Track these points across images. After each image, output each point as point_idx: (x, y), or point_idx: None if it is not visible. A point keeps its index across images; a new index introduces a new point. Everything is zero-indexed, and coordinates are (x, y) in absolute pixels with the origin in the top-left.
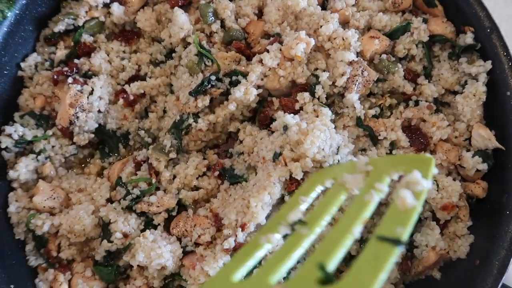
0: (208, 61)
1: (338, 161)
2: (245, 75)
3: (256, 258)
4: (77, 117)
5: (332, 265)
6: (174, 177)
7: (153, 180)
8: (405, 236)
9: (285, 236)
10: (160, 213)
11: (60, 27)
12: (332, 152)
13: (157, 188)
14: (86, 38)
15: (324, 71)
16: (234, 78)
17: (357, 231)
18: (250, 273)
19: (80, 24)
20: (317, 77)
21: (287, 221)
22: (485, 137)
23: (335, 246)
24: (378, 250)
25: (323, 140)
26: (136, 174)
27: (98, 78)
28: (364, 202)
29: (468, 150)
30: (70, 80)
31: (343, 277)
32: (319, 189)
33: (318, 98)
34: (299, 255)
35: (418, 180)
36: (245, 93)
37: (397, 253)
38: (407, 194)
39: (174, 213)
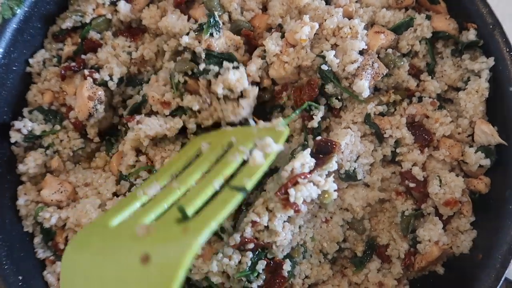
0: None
1: (354, 169)
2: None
3: (133, 207)
4: (96, 110)
5: (191, 209)
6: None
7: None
8: (249, 185)
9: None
10: None
11: (67, 24)
12: (351, 158)
13: None
14: (93, 35)
15: (329, 51)
16: (235, 63)
17: (217, 183)
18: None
19: (88, 21)
20: (323, 57)
21: (161, 181)
22: (488, 133)
23: (196, 195)
24: (226, 195)
25: (346, 143)
26: (134, 166)
27: (111, 63)
28: (228, 161)
29: (471, 146)
30: (86, 72)
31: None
32: (194, 154)
33: (326, 77)
34: (168, 203)
35: (269, 143)
36: (238, 80)
37: (239, 197)
38: (258, 153)
39: None
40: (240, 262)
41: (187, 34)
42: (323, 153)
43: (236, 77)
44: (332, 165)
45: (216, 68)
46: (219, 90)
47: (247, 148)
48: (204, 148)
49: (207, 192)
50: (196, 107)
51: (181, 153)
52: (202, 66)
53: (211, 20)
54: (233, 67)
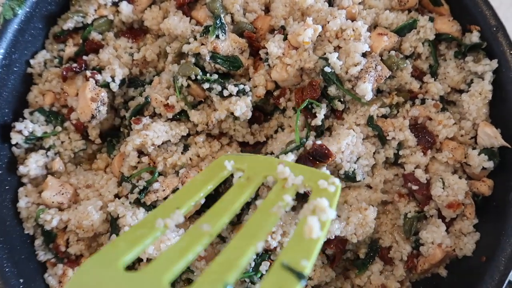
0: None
1: (354, 169)
2: (248, 90)
3: (148, 243)
4: (99, 111)
5: (233, 280)
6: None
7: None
8: (308, 271)
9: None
10: (168, 196)
11: (69, 24)
12: (351, 159)
13: (160, 175)
14: (95, 36)
15: (332, 53)
16: (241, 87)
17: (260, 245)
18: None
19: (89, 22)
20: (326, 59)
21: (185, 208)
22: (491, 135)
23: (239, 261)
24: (282, 279)
25: (347, 143)
26: (136, 167)
27: (113, 64)
28: (270, 214)
29: (474, 148)
30: (88, 73)
31: None
32: (223, 176)
33: (329, 79)
34: (197, 254)
35: (325, 208)
36: (243, 113)
37: (299, 287)
38: (315, 223)
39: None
40: None
41: (188, 43)
42: (317, 158)
43: (243, 110)
44: None
45: (219, 88)
46: (222, 116)
47: (291, 198)
48: (234, 176)
49: (248, 256)
50: (200, 126)
51: (205, 174)
52: (206, 86)
53: (218, 21)
54: (238, 92)
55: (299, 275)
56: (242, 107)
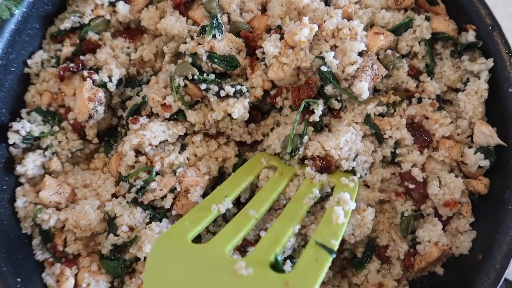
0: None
1: (353, 167)
2: (245, 90)
3: (206, 223)
4: (96, 111)
5: (280, 252)
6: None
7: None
8: (336, 248)
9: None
10: (166, 196)
11: (66, 24)
12: (349, 156)
13: (157, 174)
14: (92, 36)
15: (328, 52)
16: (238, 87)
17: (297, 228)
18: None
19: (86, 22)
20: (322, 58)
21: (232, 196)
22: (487, 134)
23: (283, 238)
24: (317, 253)
25: (346, 140)
26: (134, 167)
27: (110, 64)
28: (303, 204)
29: (470, 147)
30: (85, 73)
31: (292, 269)
32: (259, 171)
33: (325, 78)
34: (247, 233)
35: (347, 200)
36: (241, 116)
37: (331, 259)
38: (341, 211)
39: (178, 190)
40: None
41: (185, 43)
42: (323, 169)
43: (240, 113)
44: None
45: (216, 88)
46: (219, 116)
47: (318, 191)
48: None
49: (289, 235)
50: (197, 126)
51: (246, 168)
52: (203, 86)
53: (214, 21)
54: (235, 93)
55: (330, 251)
56: (240, 110)
